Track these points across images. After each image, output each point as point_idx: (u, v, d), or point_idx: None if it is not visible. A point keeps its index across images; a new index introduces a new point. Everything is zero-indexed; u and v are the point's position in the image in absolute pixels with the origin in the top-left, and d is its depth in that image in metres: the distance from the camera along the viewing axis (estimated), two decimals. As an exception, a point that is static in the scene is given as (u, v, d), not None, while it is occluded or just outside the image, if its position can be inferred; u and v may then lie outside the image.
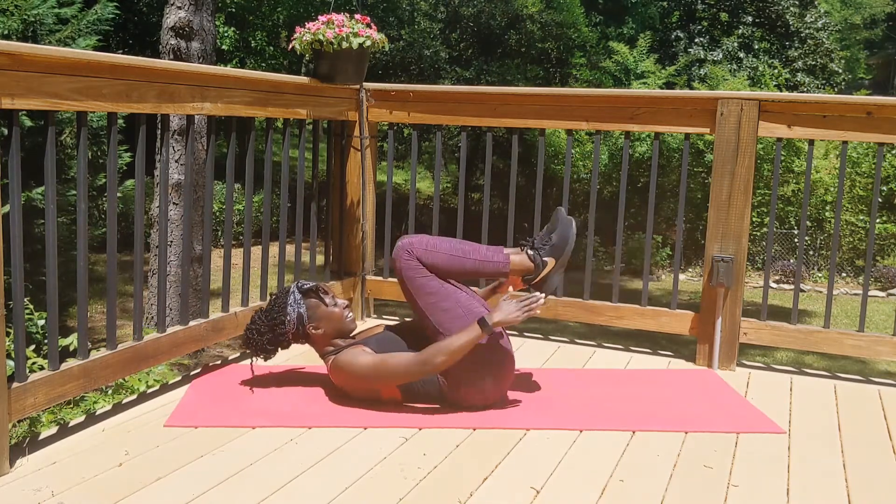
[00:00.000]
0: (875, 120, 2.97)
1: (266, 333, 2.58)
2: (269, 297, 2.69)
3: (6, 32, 4.64)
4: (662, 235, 10.86)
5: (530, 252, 2.64)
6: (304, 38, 3.20)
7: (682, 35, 14.43)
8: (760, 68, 13.28)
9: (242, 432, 2.34)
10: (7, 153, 2.07)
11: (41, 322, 3.80)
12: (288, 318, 2.56)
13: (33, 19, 4.74)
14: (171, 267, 5.26)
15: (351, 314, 2.66)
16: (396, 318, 3.73)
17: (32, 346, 3.55)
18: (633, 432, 2.44)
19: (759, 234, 10.55)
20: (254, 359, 2.65)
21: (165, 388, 2.71)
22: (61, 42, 4.91)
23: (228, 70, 2.91)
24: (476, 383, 2.50)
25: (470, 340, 2.42)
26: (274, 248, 8.44)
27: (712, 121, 3.11)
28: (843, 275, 10.64)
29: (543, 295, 2.55)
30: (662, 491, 2.07)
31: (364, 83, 3.46)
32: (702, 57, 13.74)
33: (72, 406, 3.74)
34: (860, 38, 22.95)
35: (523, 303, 2.47)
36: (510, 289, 2.64)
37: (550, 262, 2.63)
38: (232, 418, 2.43)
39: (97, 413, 2.47)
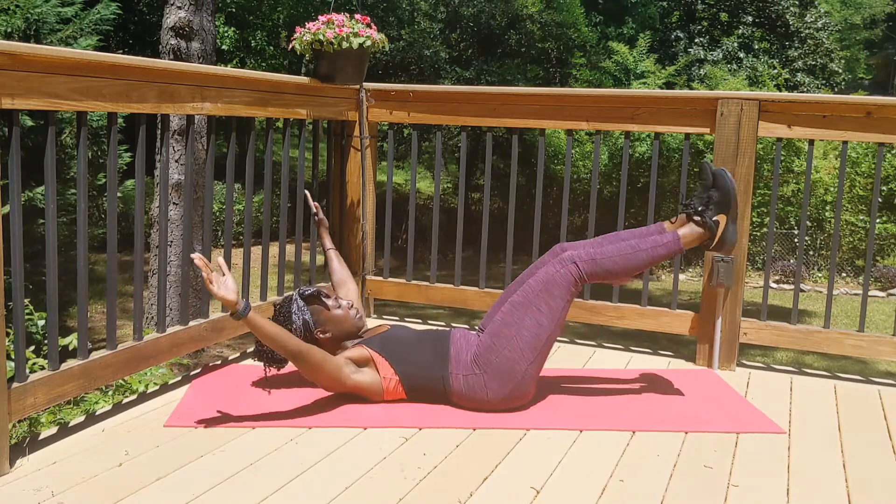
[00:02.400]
0: (875, 120, 2.97)
1: None
2: (273, 307, 2.68)
3: (9, 31, 4.64)
4: (662, 235, 10.86)
5: (696, 218, 2.56)
6: (304, 38, 3.20)
7: (682, 35, 14.43)
8: (760, 68, 13.27)
9: (242, 432, 2.34)
10: (7, 153, 2.07)
11: (41, 322, 3.80)
12: (294, 326, 2.56)
13: (36, 18, 4.74)
14: (171, 267, 5.25)
15: (358, 312, 2.65)
16: (396, 317, 3.73)
17: (32, 347, 3.55)
18: (633, 432, 2.44)
19: (759, 234, 10.54)
20: (267, 369, 2.64)
21: (165, 388, 2.71)
22: (63, 41, 4.91)
23: (228, 70, 2.91)
24: (493, 397, 2.50)
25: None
26: (274, 248, 8.44)
27: (712, 121, 3.11)
28: (843, 275, 10.64)
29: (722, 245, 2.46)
30: (662, 491, 2.07)
31: (364, 83, 3.46)
32: (702, 57, 13.73)
33: (72, 406, 3.73)
34: (860, 38, 22.94)
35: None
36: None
37: (721, 218, 2.55)
38: (232, 418, 2.43)
39: (97, 413, 2.47)
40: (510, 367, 2.47)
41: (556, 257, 2.55)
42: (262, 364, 2.67)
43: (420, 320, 3.65)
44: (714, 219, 2.56)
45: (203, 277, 2.20)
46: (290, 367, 2.92)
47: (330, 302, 2.62)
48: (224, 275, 2.25)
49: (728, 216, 2.57)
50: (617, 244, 2.54)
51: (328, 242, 3.15)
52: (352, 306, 2.66)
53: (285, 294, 3.01)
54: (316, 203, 3.18)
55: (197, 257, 2.19)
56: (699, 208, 2.58)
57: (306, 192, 3.20)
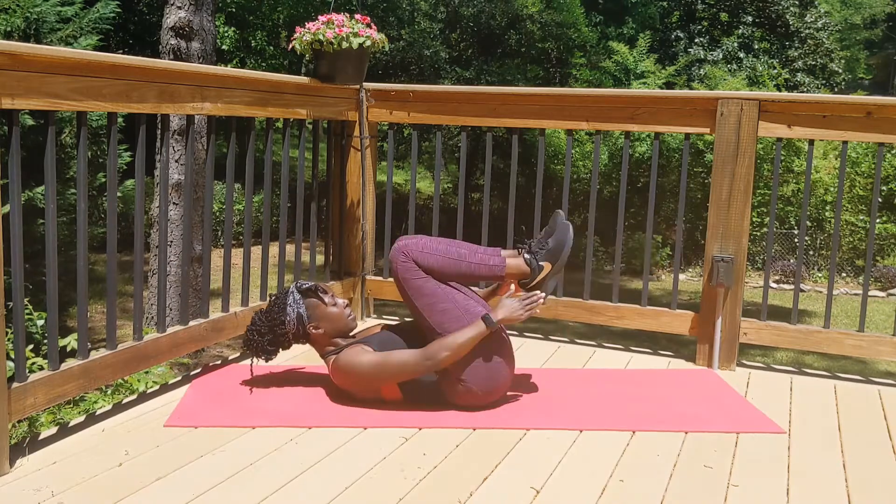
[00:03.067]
0: (875, 120, 2.97)
1: (266, 334, 2.58)
2: (269, 298, 2.69)
3: (9, 30, 4.64)
4: (662, 235, 10.86)
5: (527, 256, 2.64)
6: (304, 38, 3.20)
7: (682, 35, 14.43)
8: (760, 68, 13.27)
9: (242, 432, 2.34)
10: (7, 153, 2.07)
11: (41, 322, 3.80)
12: (288, 318, 2.57)
13: (36, 17, 4.74)
14: (171, 267, 5.26)
15: (351, 313, 2.66)
16: (396, 318, 3.73)
17: (31, 347, 3.55)
18: (633, 432, 2.44)
19: (759, 234, 10.54)
20: (254, 360, 2.65)
21: (165, 388, 2.71)
22: (63, 41, 4.91)
23: (228, 70, 2.91)
24: (473, 384, 2.50)
25: (473, 337, 2.44)
26: (274, 248, 8.44)
27: (712, 121, 3.11)
28: (843, 275, 10.64)
29: (544, 294, 2.56)
30: (662, 491, 2.07)
31: (364, 83, 3.46)
32: (702, 57, 13.73)
33: (72, 406, 3.73)
34: (860, 38, 22.93)
35: (525, 301, 2.51)
36: (511, 288, 2.65)
37: (546, 266, 2.64)
38: (232, 418, 2.43)
39: (97, 413, 2.47)
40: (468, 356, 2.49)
41: (394, 258, 2.57)
42: (251, 361, 2.67)
43: (420, 320, 3.64)
44: (541, 263, 2.64)
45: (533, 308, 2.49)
46: (285, 366, 2.92)
47: (326, 298, 2.63)
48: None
49: (553, 268, 2.65)
50: (450, 247, 2.60)
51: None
52: (347, 306, 2.66)
53: (283, 287, 3.01)
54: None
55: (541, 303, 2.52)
56: (532, 248, 2.67)
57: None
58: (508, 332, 2.72)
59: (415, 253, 2.55)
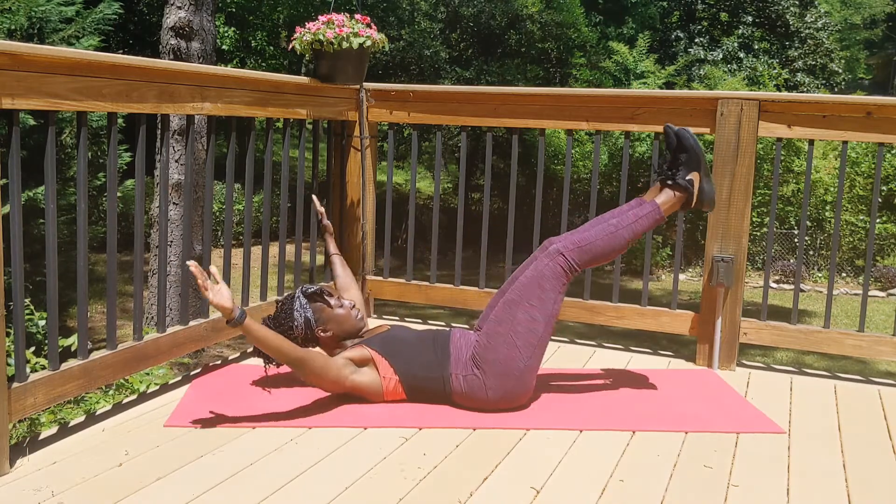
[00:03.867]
0: (875, 120, 2.97)
1: None
2: (276, 303, 2.68)
3: (12, 28, 4.64)
4: (662, 235, 10.86)
5: (669, 182, 2.59)
6: (304, 38, 3.20)
7: (682, 35, 14.43)
8: (760, 68, 13.27)
9: (242, 432, 2.34)
10: (7, 153, 2.08)
11: (41, 322, 3.80)
12: (296, 323, 2.57)
13: (39, 16, 4.74)
14: (171, 267, 5.26)
15: (359, 313, 2.66)
16: (396, 317, 3.73)
17: (33, 348, 3.55)
18: (633, 432, 2.44)
19: (759, 234, 10.54)
20: (267, 365, 2.65)
21: (165, 388, 2.71)
22: (65, 41, 4.91)
23: (228, 70, 2.91)
24: (493, 392, 2.50)
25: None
26: (274, 249, 8.44)
27: (712, 121, 3.11)
28: (843, 275, 10.64)
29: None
30: (662, 491, 2.07)
31: (364, 83, 3.46)
32: (702, 57, 13.73)
33: (72, 406, 3.74)
34: (860, 38, 22.93)
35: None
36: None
37: (694, 175, 2.59)
38: (232, 418, 2.43)
39: (97, 413, 2.47)
40: (507, 364, 2.47)
41: (545, 252, 2.56)
42: (262, 362, 2.67)
43: (420, 320, 3.65)
44: (688, 178, 2.59)
45: (198, 284, 2.19)
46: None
47: (332, 301, 2.63)
48: (217, 283, 2.24)
49: (700, 172, 2.60)
50: (599, 226, 2.57)
51: (332, 248, 3.15)
52: (353, 306, 2.66)
53: (287, 293, 3.01)
54: (322, 209, 3.18)
55: (192, 265, 2.18)
56: (669, 172, 2.61)
57: (314, 197, 3.20)
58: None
59: (571, 251, 2.50)
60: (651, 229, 2.63)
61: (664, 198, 2.60)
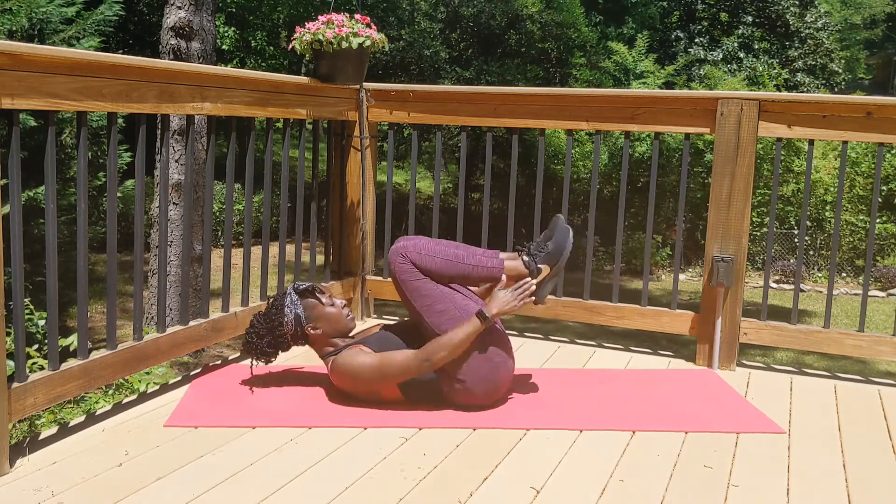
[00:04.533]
0: (875, 120, 2.97)
1: (265, 336, 2.59)
2: (267, 300, 2.69)
3: (13, 29, 4.64)
4: (662, 235, 10.86)
5: (525, 258, 2.64)
6: (304, 38, 3.19)
7: (682, 35, 14.42)
8: (760, 68, 13.27)
9: (242, 432, 2.34)
10: (7, 153, 2.08)
11: (41, 322, 3.80)
12: (286, 319, 2.57)
13: (40, 17, 4.74)
14: (171, 267, 5.26)
15: (350, 313, 2.66)
16: (396, 317, 3.73)
17: (35, 346, 3.55)
18: (633, 432, 2.44)
19: (759, 234, 10.54)
20: (254, 362, 2.65)
21: (165, 388, 2.71)
22: (65, 42, 4.91)
23: (228, 70, 2.91)
24: (472, 385, 2.50)
25: (470, 334, 2.44)
26: (274, 248, 8.43)
27: (712, 121, 3.11)
28: (843, 275, 10.64)
29: (534, 282, 2.55)
30: (662, 491, 2.07)
31: (364, 83, 3.46)
32: (702, 57, 13.73)
33: (72, 406, 3.74)
34: (860, 38, 22.92)
35: (517, 290, 2.51)
36: (503, 279, 2.61)
37: (545, 269, 2.63)
38: (232, 418, 2.43)
39: (97, 413, 2.47)
40: (462, 358, 2.49)
41: (393, 260, 2.57)
42: (260, 362, 2.67)
43: (420, 320, 3.64)
44: (539, 266, 2.63)
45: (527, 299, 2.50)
46: (284, 366, 2.92)
47: (324, 299, 2.63)
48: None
49: (552, 270, 2.64)
50: (449, 248, 2.60)
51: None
52: (345, 306, 2.66)
53: (282, 288, 3.01)
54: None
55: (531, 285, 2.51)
56: (531, 251, 2.66)
57: None
58: (508, 332, 2.72)
59: (412, 254, 2.55)
60: (483, 282, 2.67)
61: (512, 265, 2.64)
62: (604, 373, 3.05)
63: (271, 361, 2.66)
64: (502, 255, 2.68)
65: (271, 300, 2.65)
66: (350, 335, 2.67)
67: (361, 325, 3.48)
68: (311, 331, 2.60)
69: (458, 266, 2.58)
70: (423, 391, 2.54)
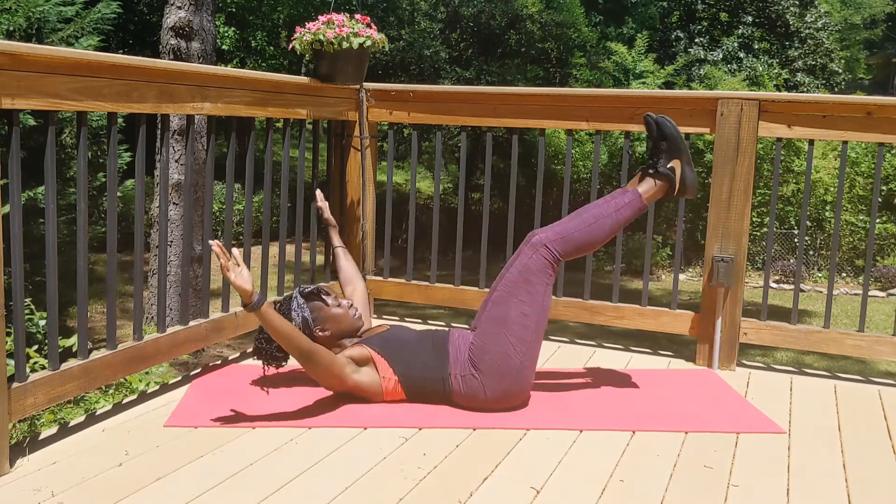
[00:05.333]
0: (875, 120, 2.97)
1: (274, 341, 2.58)
2: (273, 304, 2.69)
3: (11, 29, 4.64)
4: (662, 235, 10.86)
5: (651, 171, 2.59)
6: (305, 38, 3.19)
7: (682, 35, 14.42)
8: (760, 68, 13.26)
9: (242, 432, 2.34)
10: (7, 153, 2.08)
11: (42, 322, 3.80)
12: (294, 323, 2.57)
13: (38, 17, 4.74)
14: (171, 267, 5.26)
15: (357, 312, 2.66)
16: (396, 317, 3.73)
17: (35, 347, 3.55)
18: (633, 432, 2.44)
19: (759, 234, 10.54)
20: (266, 367, 2.64)
21: (165, 388, 2.71)
22: (64, 41, 4.91)
23: (228, 70, 2.91)
24: (491, 393, 2.50)
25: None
26: (274, 248, 8.43)
27: (712, 121, 3.11)
28: (843, 275, 10.64)
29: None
30: (662, 491, 2.07)
31: (364, 83, 3.46)
32: (702, 57, 13.73)
33: (72, 406, 3.73)
34: (860, 38, 22.91)
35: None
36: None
37: (675, 163, 2.58)
38: (232, 418, 2.43)
39: (97, 413, 2.47)
40: (504, 363, 2.47)
41: (528, 244, 2.56)
42: (261, 363, 2.67)
43: (420, 320, 3.65)
44: (669, 166, 2.58)
45: (221, 264, 2.21)
46: (289, 366, 2.92)
47: (330, 300, 2.63)
48: (239, 265, 2.24)
49: (681, 160, 2.59)
50: (581, 216, 2.57)
51: (336, 240, 3.15)
52: (351, 305, 2.66)
53: (286, 294, 3.01)
54: (324, 204, 3.17)
55: (215, 244, 2.20)
56: (651, 160, 2.60)
57: (318, 192, 3.20)
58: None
59: (554, 242, 2.50)
60: (634, 218, 2.62)
61: (646, 186, 2.60)
62: (604, 373, 3.05)
63: (282, 365, 2.66)
64: (629, 185, 2.63)
65: (278, 305, 2.65)
66: (359, 333, 2.67)
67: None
68: (320, 333, 2.60)
69: (602, 225, 2.52)
70: (424, 391, 2.54)
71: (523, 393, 2.56)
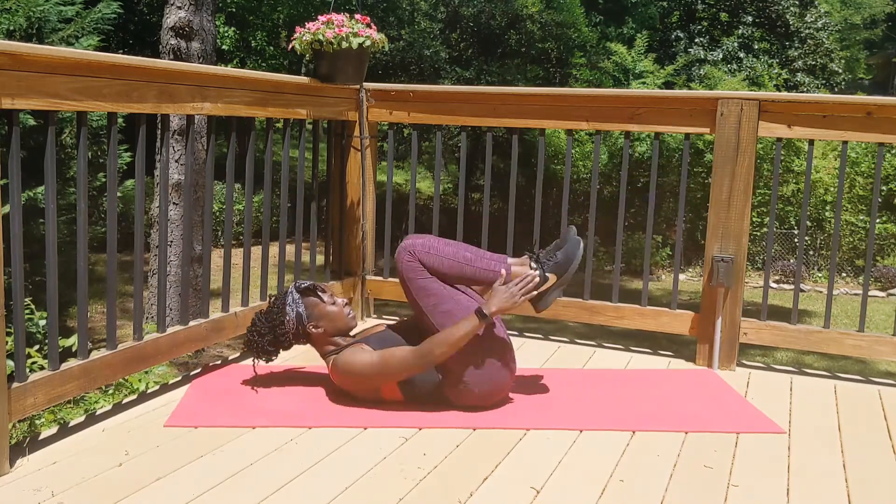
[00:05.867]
0: (875, 120, 2.97)
1: (267, 335, 2.59)
2: (269, 299, 2.69)
3: (11, 29, 4.64)
4: (662, 235, 10.86)
5: (534, 265, 2.62)
6: (304, 38, 3.19)
7: (682, 35, 14.41)
8: (760, 68, 13.26)
9: (242, 432, 2.34)
10: (7, 153, 2.08)
11: (41, 322, 3.80)
12: (287, 318, 2.57)
13: (38, 16, 4.74)
14: (171, 267, 5.25)
15: (351, 311, 2.66)
16: (396, 317, 3.73)
17: (36, 347, 3.55)
18: (633, 432, 2.44)
19: (759, 234, 10.54)
20: (256, 361, 2.65)
21: (165, 388, 2.71)
22: (64, 41, 4.91)
23: (228, 70, 2.91)
24: (473, 386, 2.50)
25: (468, 331, 2.43)
26: (274, 248, 8.41)
27: (712, 121, 3.11)
28: (843, 275, 10.63)
29: (537, 273, 2.53)
30: (662, 491, 2.07)
31: (364, 83, 3.46)
32: (702, 57, 13.72)
33: (72, 406, 3.73)
34: (860, 38, 22.90)
35: (518, 284, 2.48)
36: (503, 274, 2.56)
37: (552, 277, 2.61)
38: (232, 418, 2.43)
39: (97, 413, 2.47)
40: (464, 355, 2.48)
41: (400, 258, 2.56)
42: (261, 361, 2.67)
43: (420, 320, 3.64)
44: (547, 274, 2.60)
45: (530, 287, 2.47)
46: (286, 366, 2.92)
47: (325, 297, 2.63)
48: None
49: (559, 280, 2.61)
50: (458, 250, 2.58)
51: None
52: (346, 304, 2.66)
53: (283, 287, 3.01)
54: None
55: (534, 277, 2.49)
56: (540, 258, 2.64)
57: None
58: (508, 332, 2.71)
59: (420, 253, 2.54)
60: (486, 284, 2.61)
61: (519, 270, 2.61)
62: (604, 373, 3.05)
63: (272, 360, 2.67)
64: (510, 259, 2.66)
65: (273, 299, 2.65)
66: (351, 334, 2.67)
67: (362, 325, 3.48)
68: (313, 329, 2.60)
69: (464, 268, 2.57)
70: (423, 391, 2.54)
71: (508, 375, 2.56)
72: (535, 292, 2.56)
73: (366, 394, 2.56)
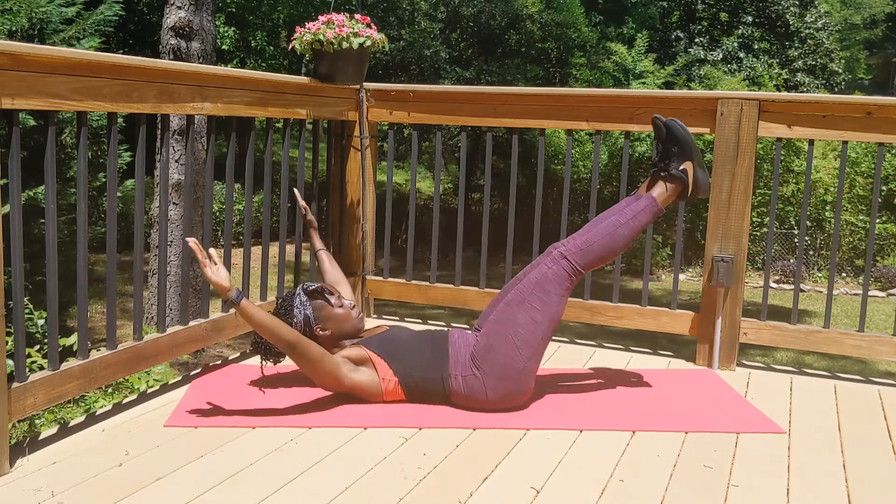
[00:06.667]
0: (875, 120, 2.97)
1: None
2: (276, 301, 2.69)
3: (13, 29, 4.64)
4: (662, 235, 10.86)
5: (663, 174, 2.59)
6: (304, 38, 3.20)
7: (682, 35, 14.42)
8: (760, 68, 13.26)
9: (242, 432, 2.34)
10: (7, 153, 2.08)
11: (41, 322, 3.80)
12: (295, 320, 2.57)
13: (40, 17, 4.74)
14: (171, 267, 5.25)
15: (360, 313, 2.66)
16: (396, 317, 3.73)
17: (37, 347, 3.55)
18: (633, 432, 2.44)
19: (759, 234, 10.54)
20: (263, 363, 2.65)
21: (165, 388, 2.71)
22: (66, 42, 4.91)
23: (228, 70, 2.91)
24: (493, 393, 2.50)
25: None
26: (274, 248, 8.42)
27: (712, 121, 3.11)
28: (843, 275, 10.63)
29: (681, 179, 2.54)
30: (662, 491, 2.07)
31: (364, 83, 3.46)
32: (702, 57, 13.72)
33: (72, 406, 3.73)
34: (860, 38, 22.90)
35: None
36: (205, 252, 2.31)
37: (687, 165, 2.59)
38: (232, 418, 2.43)
39: (97, 413, 2.47)
40: (507, 364, 2.48)
41: (549, 256, 2.57)
42: (260, 359, 2.67)
43: (420, 320, 3.65)
44: (681, 168, 2.58)
45: (198, 261, 2.24)
46: (290, 366, 2.92)
47: (333, 300, 2.63)
48: (216, 264, 2.28)
49: (693, 162, 2.59)
50: (598, 227, 2.57)
51: (318, 243, 3.10)
52: (354, 307, 2.66)
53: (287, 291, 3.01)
54: (304, 203, 3.13)
55: (192, 241, 2.23)
56: (662, 164, 2.61)
57: (295, 190, 3.16)
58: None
59: (574, 254, 2.52)
60: (650, 223, 2.64)
61: (660, 190, 2.60)
62: (604, 373, 3.05)
63: (280, 361, 2.67)
64: (641, 190, 2.63)
65: (280, 301, 2.65)
66: (360, 335, 2.67)
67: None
68: (321, 332, 2.60)
69: (620, 230, 2.54)
70: (424, 392, 2.54)
71: (523, 395, 2.56)
72: (691, 191, 2.56)
73: (360, 394, 2.54)
